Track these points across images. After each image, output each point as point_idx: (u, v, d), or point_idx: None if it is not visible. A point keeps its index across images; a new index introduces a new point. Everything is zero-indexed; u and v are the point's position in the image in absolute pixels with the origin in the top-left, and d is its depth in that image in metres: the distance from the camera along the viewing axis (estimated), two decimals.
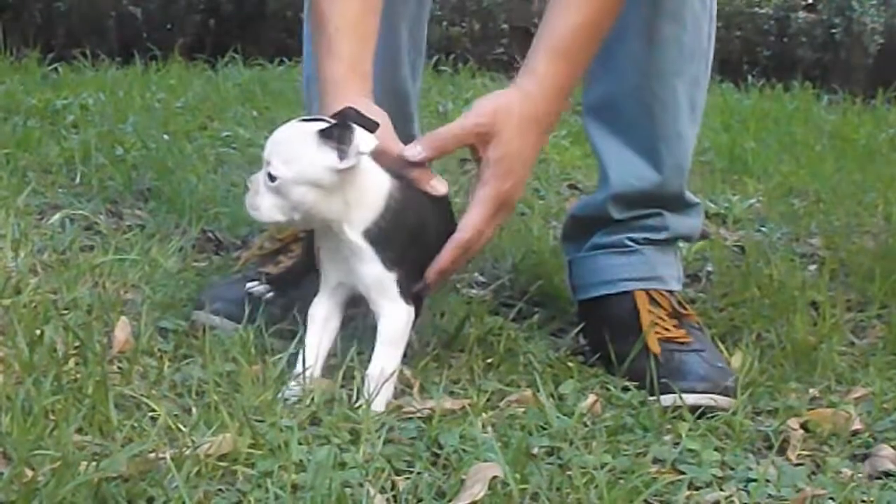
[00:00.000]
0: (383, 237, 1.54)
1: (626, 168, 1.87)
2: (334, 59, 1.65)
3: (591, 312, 1.88)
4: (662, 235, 1.89)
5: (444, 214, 1.64)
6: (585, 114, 1.93)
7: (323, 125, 1.50)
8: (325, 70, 1.65)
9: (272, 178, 1.51)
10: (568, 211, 2.08)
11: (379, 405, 1.52)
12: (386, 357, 1.55)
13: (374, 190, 1.55)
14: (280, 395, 1.52)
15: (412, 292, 1.57)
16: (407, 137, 1.79)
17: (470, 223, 1.59)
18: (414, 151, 1.59)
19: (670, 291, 1.84)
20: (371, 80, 1.66)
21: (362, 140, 1.49)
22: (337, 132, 1.49)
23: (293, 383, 1.56)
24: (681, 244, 1.99)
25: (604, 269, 1.88)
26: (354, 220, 1.54)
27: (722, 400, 1.65)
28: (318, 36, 1.67)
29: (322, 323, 1.59)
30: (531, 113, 1.62)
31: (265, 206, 1.53)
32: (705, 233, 2.50)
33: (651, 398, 1.66)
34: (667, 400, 1.65)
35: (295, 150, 1.51)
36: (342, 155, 1.49)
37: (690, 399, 1.64)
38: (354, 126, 1.49)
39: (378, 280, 1.55)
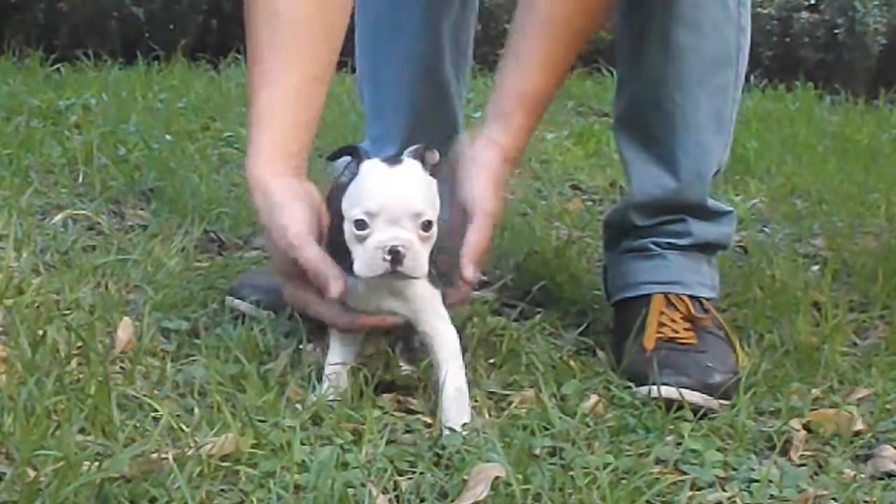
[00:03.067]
0: (430, 257, 1.50)
1: (645, 176, 1.89)
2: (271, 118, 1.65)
3: (617, 315, 1.89)
4: (686, 241, 1.90)
5: None
6: (614, 123, 1.97)
7: (414, 163, 1.47)
8: (262, 116, 1.67)
9: (429, 225, 1.45)
10: (601, 219, 2.09)
11: (458, 424, 1.48)
12: (455, 375, 1.52)
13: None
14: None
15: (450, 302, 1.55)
16: (449, 137, 1.82)
17: (473, 251, 1.57)
18: (472, 275, 1.57)
19: (693, 297, 1.84)
20: (299, 157, 1.62)
21: (431, 157, 1.49)
22: (432, 162, 1.49)
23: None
24: (718, 253, 1.98)
25: (628, 273, 1.90)
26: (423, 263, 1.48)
27: (695, 396, 1.65)
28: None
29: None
30: (509, 165, 1.67)
31: (424, 259, 1.45)
32: None
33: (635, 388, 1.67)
34: (641, 391, 1.66)
35: (433, 191, 1.47)
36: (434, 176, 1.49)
37: (664, 391, 1.64)
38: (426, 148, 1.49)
39: (427, 300, 1.52)
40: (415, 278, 1.46)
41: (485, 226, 1.58)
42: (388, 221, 1.43)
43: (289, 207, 1.55)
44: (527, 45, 1.68)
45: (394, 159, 1.49)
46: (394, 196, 1.44)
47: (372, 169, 1.47)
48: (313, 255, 1.51)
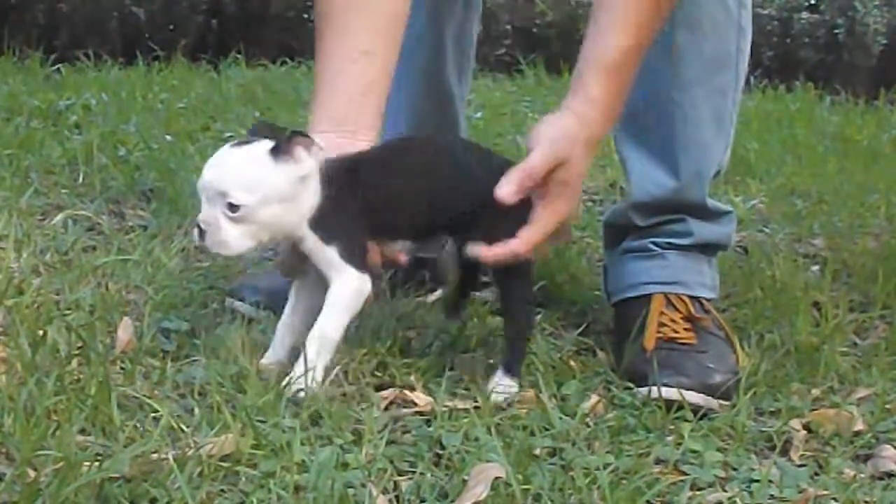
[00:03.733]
0: (321, 219, 1.57)
1: (645, 175, 1.89)
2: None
3: (617, 315, 1.89)
4: (687, 241, 1.90)
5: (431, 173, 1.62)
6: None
7: (267, 145, 1.54)
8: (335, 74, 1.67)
9: (234, 207, 1.52)
10: (602, 219, 2.08)
11: (313, 374, 1.53)
12: (327, 320, 1.56)
13: (314, 183, 1.57)
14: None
15: (366, 262, 1.59)
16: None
17: (528, 239, 1.58)
18: (507, 193, 1.56)
19: (693, 297, 1.84)
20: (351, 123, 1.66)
21: (305, 142, 1.54)
22: (285, 146, 1.53)
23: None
24: (718, 253, 1.98)
25: (629, 274, 1.90)
26: (307, 216, 1.57)
27: (695, 396, 1.65)
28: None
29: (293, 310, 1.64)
30: (589, 137, 1.62)
31: (233, 238, 1.54)
32: None
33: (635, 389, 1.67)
34: (641, 392, 1.66)
35: (253, 174, 1.53)
36: (298, 162, 1.53)
37: (664, 392, 1.64)
38: (296, 133, 1.54)
39: (323, 257, 1.57)
40: (221, 254, 1.56)
41: (504, 253, 1.57)
42: (206, 199, 1.54)
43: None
44: (605, 8, 1.64)
45: (242, 141, 1.58)
46: (207, 176, 1.55)
47: (220, 148, 1.58)
48: None
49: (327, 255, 1.58)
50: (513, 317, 1.66)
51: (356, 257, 1.58)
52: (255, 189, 1.52)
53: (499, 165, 1.60)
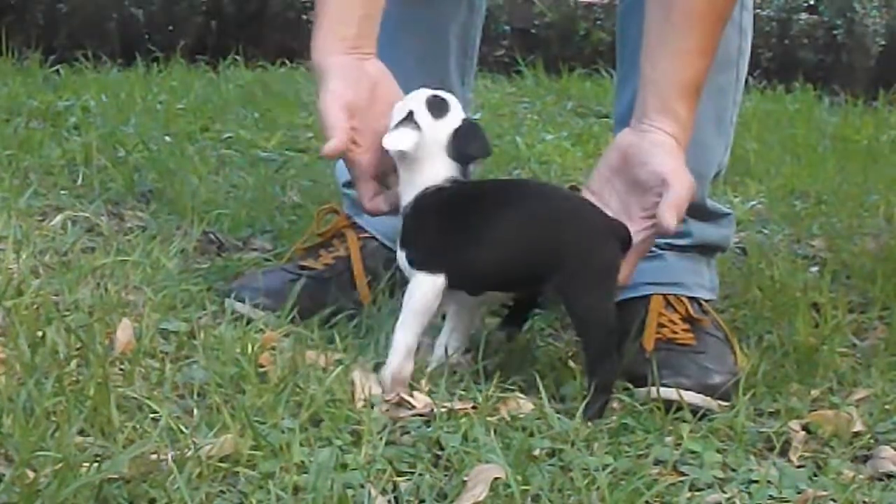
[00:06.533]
0: (408, 220, 1.64)
1: None
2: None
3: (617, 316, 1.88)
4: (686, 241, 1.90)
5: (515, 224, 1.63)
6: (615, 124, 1.97)
7: (420, 106, 1.63)
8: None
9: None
10: None
11: (386, 372, 1.60)
12: (400, 324, 1.62)
13: (423, 178, 1.64)
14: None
15: None
16: None
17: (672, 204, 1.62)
18: (672, 225, 1.61)
19: (692, 298, 1.84)
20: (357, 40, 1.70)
21: (399, 139, 1.61)
22: (406, 120, 1.62)
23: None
24: (717, 255, 1.98)
25: None
26: (404, 200, 1.66)
27: (694, 397, 1.65)
28: None
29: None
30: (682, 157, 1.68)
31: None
32: None
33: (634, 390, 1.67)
34: (640, 392, 1.66)
35: (395, 116, 1.64)
36: (399, 135, 1.62)
37: (663, 392, 1.64)
38: (417, 123, 1.62)
39: (398, 259, 1.66)
40: None
41: (682, 189, 1.62)
42: None
43: (327, 80, 1.67)
44: (677, 34, 1.67)
45: (439, 97, 1.66)
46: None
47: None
48: (329, 122, 1.64)
49: (399, 260, 1.66)
50: (591, 367, 1.61)
51: (428, 262, 1.62)
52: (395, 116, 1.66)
53: None
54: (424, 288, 1.61)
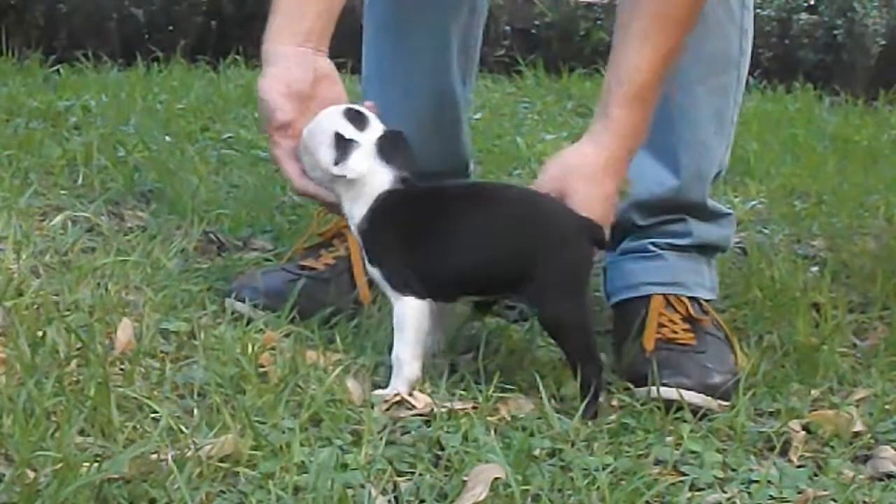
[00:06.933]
0: (368, 234, 1.63)
1: (646, 174, 1.88)
2: None
3: (616, 316, 1.89)
4: (686, 241, 1.90)
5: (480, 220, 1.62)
6: None
7: (346, 127, 1.62)
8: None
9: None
10: None
11: (390, 389, 1.59)
12: (395, 345, 1.61)
13: (370, 188, 1.62)
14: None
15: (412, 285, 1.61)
16: (453, 141, 1.80)
17: None
18: None
19: (693, 298, 1.84)
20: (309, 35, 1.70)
21: (357, 163, 1.60)
22: (343, 143, 1.60)
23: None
24: (717, 255, 1.98)
25: (628, 274, 1.90)
26: (354, 215, 1.64)
27: (694, 396, 1.65)
28: None
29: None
30: (605, 160, 1.65)
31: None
32: None
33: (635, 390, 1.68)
34: (641, 392, 1.66)
35: (318, 137, 1.62)
36: (337, 162, 1.60)
37: (663, 392, 1.64)
38: (357, 145, 1.60)
39: (371, 274, 1.65)
40: None
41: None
42: None
43: (272, 66, 1.67)
44: (635, 40, 1.68)
45: (355, 112, 1.65)
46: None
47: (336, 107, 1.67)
48: (268, 106, 1.66)
49: (375, 277, 1.66)
50: (575, 369, 1.61)
51: (405, 283, 1.62)
52: (316, 151, 1.64)
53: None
54: (416, 314, 1.61)
